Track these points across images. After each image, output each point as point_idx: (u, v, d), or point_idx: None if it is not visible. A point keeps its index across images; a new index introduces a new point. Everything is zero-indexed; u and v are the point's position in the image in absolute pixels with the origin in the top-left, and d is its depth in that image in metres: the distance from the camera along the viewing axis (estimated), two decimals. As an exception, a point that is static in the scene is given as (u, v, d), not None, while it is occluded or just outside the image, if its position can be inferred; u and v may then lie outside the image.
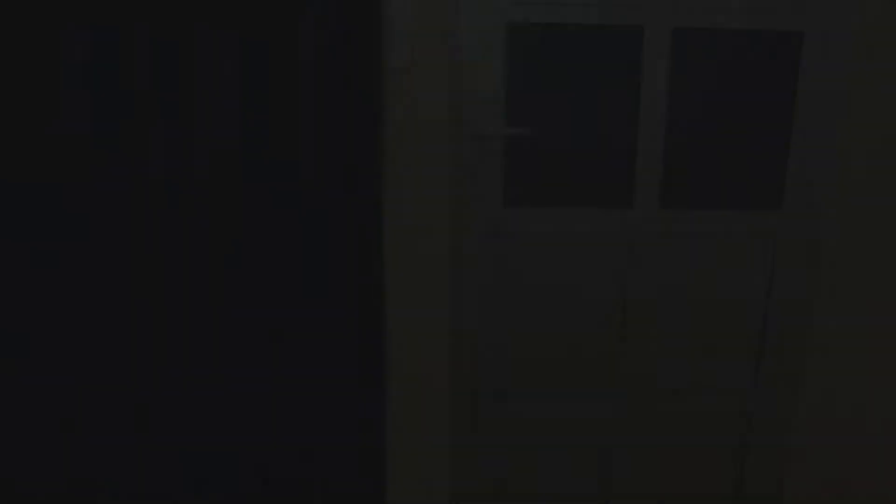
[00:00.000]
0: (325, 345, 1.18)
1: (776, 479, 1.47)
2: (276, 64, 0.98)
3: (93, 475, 1.21)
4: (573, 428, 1.40)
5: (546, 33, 1.20)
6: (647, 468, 1.45)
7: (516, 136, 1.24)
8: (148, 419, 1.21)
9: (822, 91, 1.25)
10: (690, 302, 1.34)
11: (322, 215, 1.11)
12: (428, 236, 1.20)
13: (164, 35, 1.03)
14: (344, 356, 1.21)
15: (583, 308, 1.34)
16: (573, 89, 1.24)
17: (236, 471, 1.27)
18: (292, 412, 1.22)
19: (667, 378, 1.39)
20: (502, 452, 1.40)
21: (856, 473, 1.33)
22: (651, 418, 1.41)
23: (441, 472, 1.31)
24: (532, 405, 1.38)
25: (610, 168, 1.27)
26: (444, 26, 1.08)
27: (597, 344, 1.36)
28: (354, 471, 1.27)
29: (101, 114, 1.03)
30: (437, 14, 1.07)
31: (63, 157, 1.03)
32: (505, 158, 1.25)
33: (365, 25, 1.03)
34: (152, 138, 1.06)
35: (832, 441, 1.34)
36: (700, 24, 1.22)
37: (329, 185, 1.06)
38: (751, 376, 1.40)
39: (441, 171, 1.18)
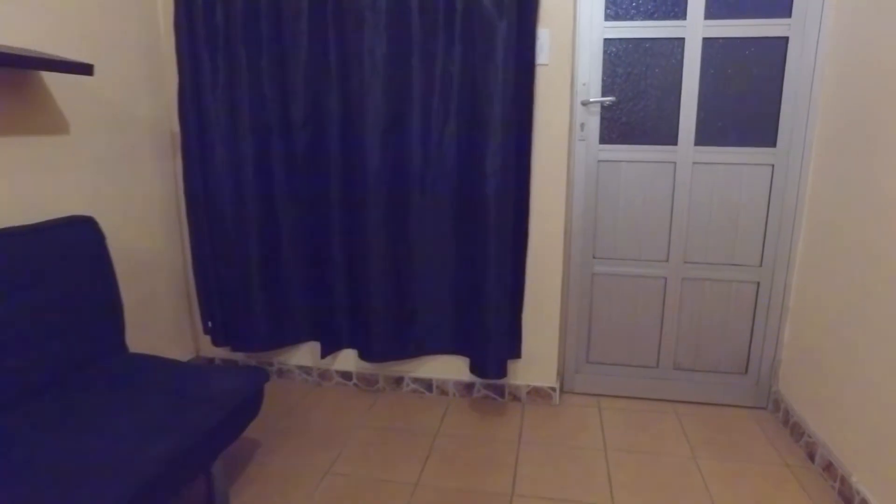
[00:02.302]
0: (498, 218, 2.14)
1: (776, 332, 2.24)
2: (482, 62, 1.96)
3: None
4: (637, 281, 2.28)
5: (626, 42, 2.11)
6: (690, 306, 2.28)
7: (607, 102, 2.15)
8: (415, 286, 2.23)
9: (800, 74, 2.04)
10: (712, 205, 2.17)
11: (509, 147, 2.06)
12: (554, 162, 2.14)
13: (422, 45, 2.05)
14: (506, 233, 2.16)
15: (643, 205, 2.21)
16: (642, 75, 2.13)
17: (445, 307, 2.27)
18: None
19: (699, 251, 2.22)
20: (591, 289, 2.31)
21: (826, 321, 2.05)
22: (689, 279, 2.25)
23: (554, 301, 2.23)
24: (610, 265, 2.28)
25: (663, 121, 2.15)
26: (567, 40, 2.02)
27: (650, 231, 2.23)
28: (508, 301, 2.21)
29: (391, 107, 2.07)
30: (563, 32, 2.02)
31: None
32: (601, 115, 2.17)
33: (525, 40, 2.00)
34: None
35: (812, 297, 2.09)
36: (721, 35, 2.06)
37: (511, 128, 2.02)
38: (757, 255, 2.20)
39: (561, 123, 2.10)
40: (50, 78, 1.83)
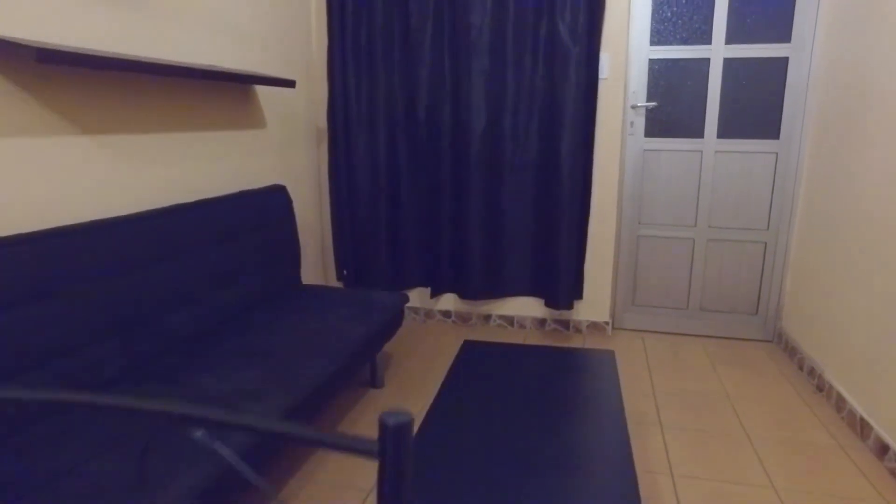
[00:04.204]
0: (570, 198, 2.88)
1: (780, 281, 2.93)
2: (560, 76, 2.71)
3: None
4: (672, 241, 3.00)
5: (665, 61, 2.83)
6: (713, 261, 2.99)
7: (650, 106, 2.88)
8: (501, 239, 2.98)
9: (797, 84, 2.74)
10: (730, 182, 2.87)
11: (578, 139, 2.80)
12: (610, 151, 2.87)
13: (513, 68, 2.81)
14: (575, 208, 2.90)
15: (677, 183, 2.93)
16: (677, 85, 2.85)
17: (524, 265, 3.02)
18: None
19: (720, 219, 2.93)
20: (637, 248, 3.03)
21: (815, 268, 2.73)
22: (712, 240, 2.95)
23: (608, 256, 2.96)
24: (651, 229, 3.00)
25: (693, 120, 2.86)
26: (621, 60, 2.76)
27: (683, 203, 2.94)
28: (574, 260, 2.94)
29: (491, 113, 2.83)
30: (619, 55, 2.75)
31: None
32: (645, 116, 2.89)
33: (592, 61, 2.73)
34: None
35: (806, 254, 2.77)
36: (738, 56, 2.77)
37: (580, 125, 2.76)
38: (765, 221, 2.89)
39: (617, 121, 2.83)
40: (259, 89, 2.63)
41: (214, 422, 0.41)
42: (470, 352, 1.71)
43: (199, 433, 0.41)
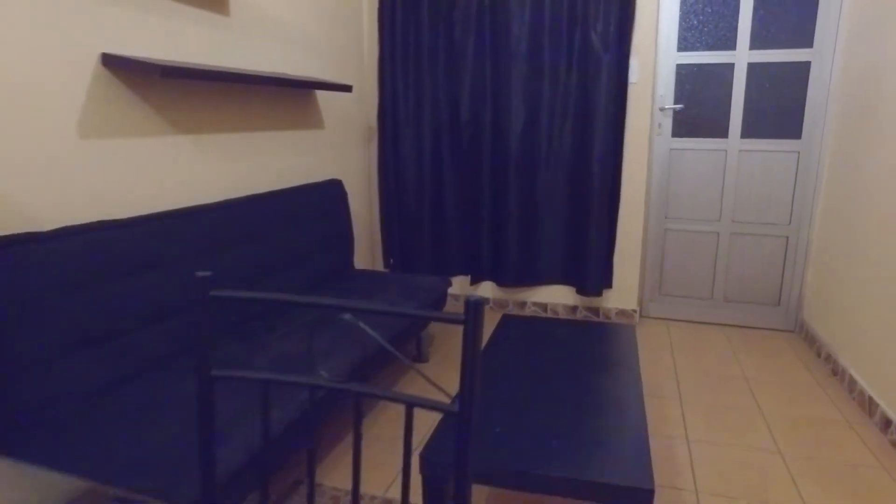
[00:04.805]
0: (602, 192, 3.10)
1: (801, 273, 3.09)
2: (592, 81, 2.94)
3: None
4: (697, 235, 3.19)
5: (692, 66, 3.04)
6: (736, 254, 3.17)
7: (677, 109, 3.08)
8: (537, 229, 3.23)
9: (819, 87, 2.90)
10: (754, 180, 3.05)
11: (608, 140, 3.03)
12: (639, 150, 3.08)
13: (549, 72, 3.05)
14: (606, 202, 3.12)
15: (702, 181, 3.12)
16: (703, 89, 3.04)
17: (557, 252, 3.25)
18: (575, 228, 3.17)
19: (743, 214, 3.11)
20: (663, 240, 3.24)
21: (832, 262, 2.88)
22: (735, 234, 3.14)
23: (636, 248, 3.17)
24: (678, 223, 3.20)
25: (717, 121, 3.05)
26: (650, 65, 2.97)
27: (707, 199, 3.14)
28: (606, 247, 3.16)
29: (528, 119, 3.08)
30: (647, 60, 2.96)
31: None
32: (672, 117, 3.10)
33: (622, 66, 2.95)
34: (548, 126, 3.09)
35: (826, 248, 2.93)
36: (761, 61, 2.95)
37: (610, 127, 2.99)
38: (787, 217, 3.06)
39: (645, 123, 3.05)
40: (318, 93, 2.94)
41: (356, 309, 0.68)
42: (507, 324, 1.97)
43: (347, 316, 0.68)
